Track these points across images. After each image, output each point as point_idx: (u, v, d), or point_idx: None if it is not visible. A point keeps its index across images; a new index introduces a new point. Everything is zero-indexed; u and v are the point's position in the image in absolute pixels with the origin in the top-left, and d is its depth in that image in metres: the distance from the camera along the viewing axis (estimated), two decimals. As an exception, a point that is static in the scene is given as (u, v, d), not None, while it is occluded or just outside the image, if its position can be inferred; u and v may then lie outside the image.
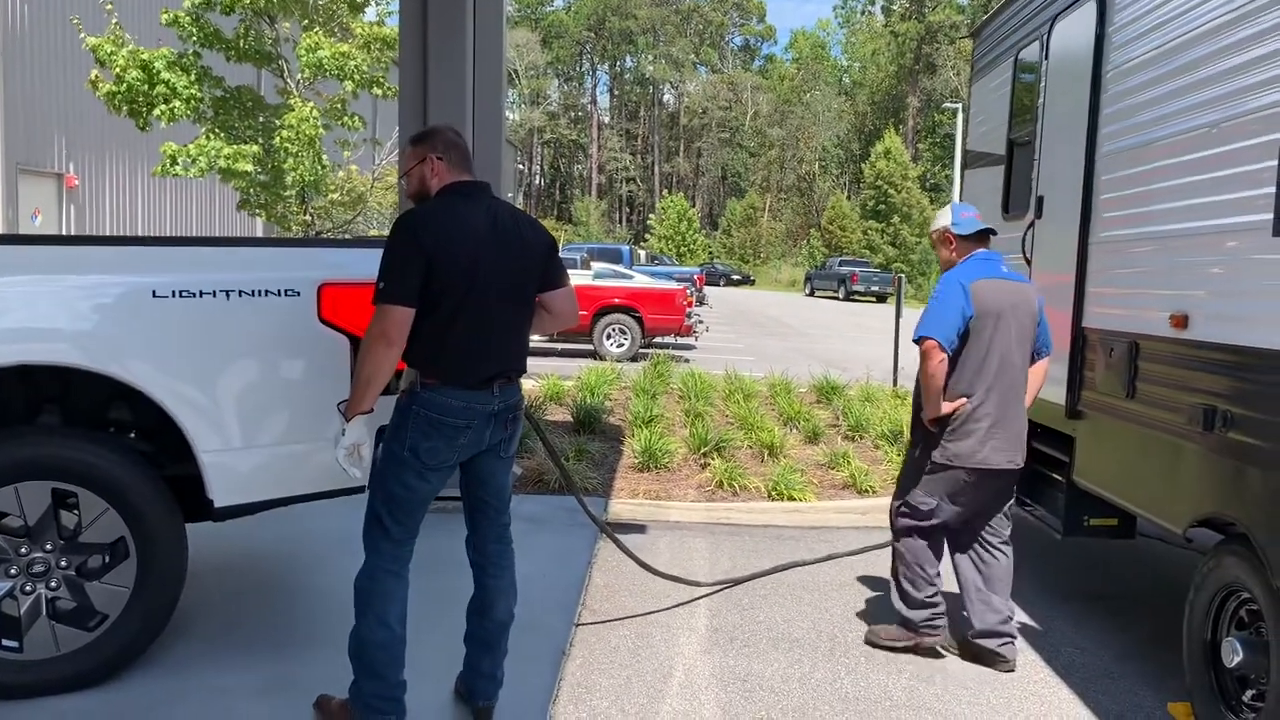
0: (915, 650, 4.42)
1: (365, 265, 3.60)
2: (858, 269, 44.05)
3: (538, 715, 3.64)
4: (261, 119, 10.97)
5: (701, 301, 30.57)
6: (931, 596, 4.40)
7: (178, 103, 10.11)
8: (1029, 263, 5.61)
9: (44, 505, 3.58)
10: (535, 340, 17.67)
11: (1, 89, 13.36)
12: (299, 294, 3.90)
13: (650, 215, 66.80)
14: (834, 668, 4.24)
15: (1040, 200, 5.51)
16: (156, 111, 10.17)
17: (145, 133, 10.77)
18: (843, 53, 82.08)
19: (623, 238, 63.17)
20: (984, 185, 6.72)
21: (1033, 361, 4.53)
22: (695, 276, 29.74)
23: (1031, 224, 5.59)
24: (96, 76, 10.43)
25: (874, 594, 5.24)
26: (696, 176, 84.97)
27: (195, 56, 10.46)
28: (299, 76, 11.79)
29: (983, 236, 4.49)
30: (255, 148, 10.60)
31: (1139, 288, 4.37)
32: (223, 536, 4.56)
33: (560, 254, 3.62)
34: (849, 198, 63.91)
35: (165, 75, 9.82)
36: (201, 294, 3.71)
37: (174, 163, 10.63)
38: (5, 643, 3.54)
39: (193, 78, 10.12)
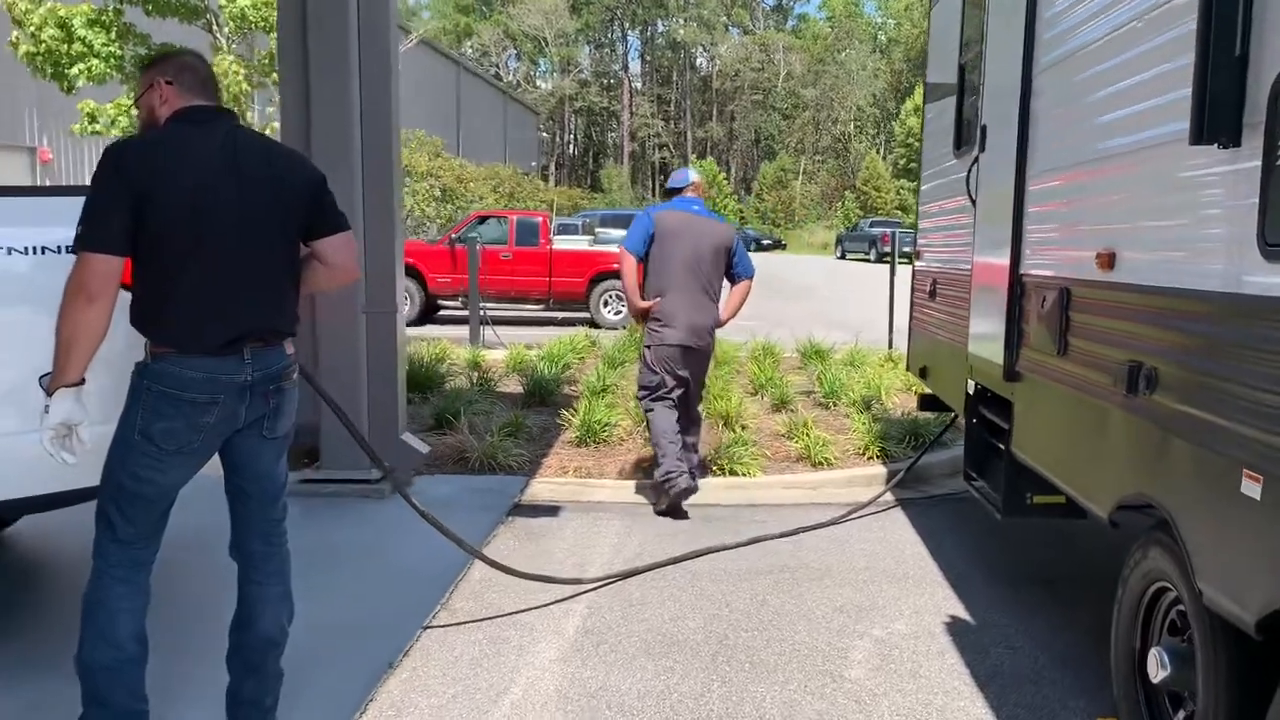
0: (668, 513, 5.63)
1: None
2: (889, 229, 42.91)
3: (323, 745, 3.08)
4: (189, 77, 10.35)
5: (720, 266, 29.74)
6: (670, 460, 5.58)
7: (95, 61, 9.60)
8: (974, 203, 4.90)
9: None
10: (531, 310, 17.19)
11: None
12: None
13: (680, 181, 65.70)
14: (708, 678, 3.62)
15: (984, 131, 4.79)
16: (75, 71, 9.66)
17: (70, 95, 10.27)
18: (877, 9, 79.99)
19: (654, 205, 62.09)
20: (939, 121, 5.99)
21: (735, 283, 6.00)
22: (713, 241, 28.84)
23: (976, 159, 4.88)
24: (16, 37, 9.96)
25: (792, 581, 4.61)
26: (730, 141, 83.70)
27: (116, 13, 9.88)
28: (226, 30, 11.19)
29: (680, 190, 5.97)
30: (176, 107, 10.03)
31: (1072, 224, 3.67)
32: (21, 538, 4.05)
33: (329, 192, 3.00)
34: (884, 157, 62.45)
35: (82, 33, 9.28)
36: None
37: (93, 120, 10.13)
38: None
39: (113, 35, 9.57)
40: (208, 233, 2.69)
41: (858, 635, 4.05)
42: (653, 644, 3.89)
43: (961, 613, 4.33)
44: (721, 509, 5.82)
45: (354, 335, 5.70)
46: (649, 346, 5.73)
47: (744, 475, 6.34)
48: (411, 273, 16.11)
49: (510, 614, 4.15)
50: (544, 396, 8.17)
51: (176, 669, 3.34)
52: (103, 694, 2.77)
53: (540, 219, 16.60)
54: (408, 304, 16.12)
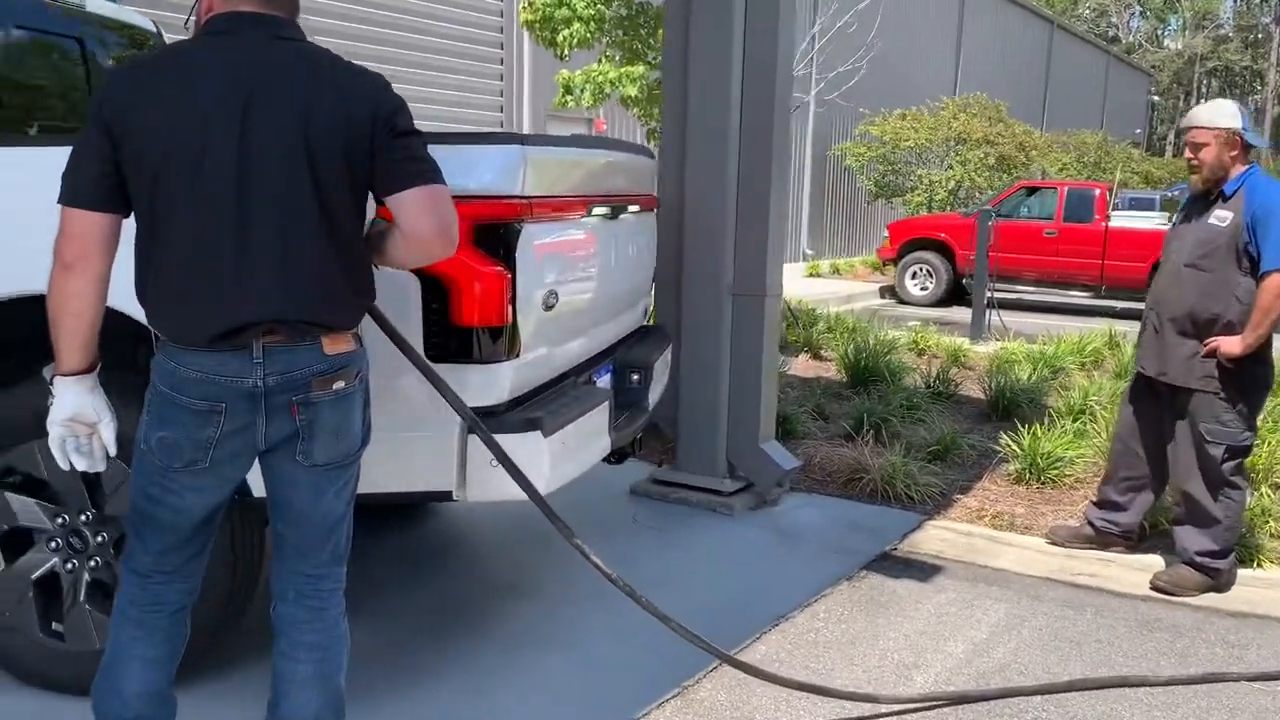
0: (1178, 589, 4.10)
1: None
2: None
3: None
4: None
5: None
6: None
7: (577, 24, 9.54)
8: None
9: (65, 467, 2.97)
10: (1078, 296, 14.74)
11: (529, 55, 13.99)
12: None
13: (1336, 151, 54.31)
14: None
15: None
16: (560, 37, 9.72)
17: (564, 62, 10.40)
18: None
19: (1303, 181, 52.12)
20: None
21: None
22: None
23: None
24: (525, 6, 10.32)
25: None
26: None
27: None
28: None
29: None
30: (640, 67, 9.66)
31: None
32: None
33: (408, 130, 2.11)
34: None
35: (568, -3, 9.30)
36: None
37: (568, 91, 10.11)
38: (56, 627, 2.94)
39: (594, -4, 9.46)
40: (196, 185, 1.98)
41: None
42: (924, 839, 2.52)
43: None
44: (1185, 611, 3.98)
45: (718, 321, 4.80)
46: (1253, 395, 4.11)
47: (1247, 564, 4.35)
48: (940, 248, 14.74)
49: (757, 727, 3.00)
50: (1009, 409, 6.56)
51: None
52: (108, 749, 2.25)
53: (1097, 191, 14.17)
54: (932, 282, 14.81)
